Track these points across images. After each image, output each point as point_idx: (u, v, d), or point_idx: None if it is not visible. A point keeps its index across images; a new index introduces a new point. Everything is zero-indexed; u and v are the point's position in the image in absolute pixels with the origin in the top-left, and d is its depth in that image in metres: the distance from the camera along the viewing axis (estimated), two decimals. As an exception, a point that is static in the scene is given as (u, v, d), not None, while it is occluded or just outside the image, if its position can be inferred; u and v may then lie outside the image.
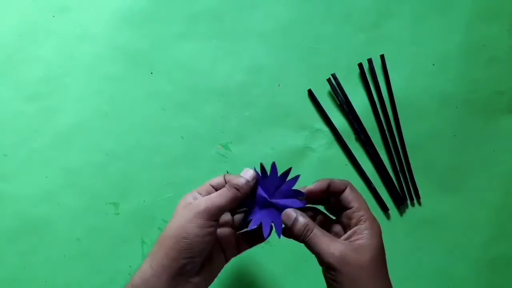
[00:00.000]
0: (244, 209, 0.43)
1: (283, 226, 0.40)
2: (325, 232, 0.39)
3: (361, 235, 0.37)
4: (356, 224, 0.38)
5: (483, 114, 0.61)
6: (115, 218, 0.57)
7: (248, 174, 0.41)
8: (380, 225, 0.39)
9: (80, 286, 0.56)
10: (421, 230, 0.59)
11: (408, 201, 0.60)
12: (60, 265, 0.56)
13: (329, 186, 0.40)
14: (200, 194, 0.41)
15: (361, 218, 0.38)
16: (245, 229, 0.43)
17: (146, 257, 0.38)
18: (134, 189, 0.58)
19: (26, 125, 0.58)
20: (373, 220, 0.39)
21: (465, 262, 0.59)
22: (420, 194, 0.59)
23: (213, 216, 0.38)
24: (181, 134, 0.59)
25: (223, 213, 0.40)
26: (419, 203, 0.60)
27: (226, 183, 0.42)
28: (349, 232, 0.39)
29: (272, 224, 0.41)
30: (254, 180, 0.41)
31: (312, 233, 0.38)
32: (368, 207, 0.40)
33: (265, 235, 0.40)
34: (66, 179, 0.57)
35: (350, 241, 0.38)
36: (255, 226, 0.41)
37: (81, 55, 0.59)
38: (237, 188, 0.40)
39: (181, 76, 0.60)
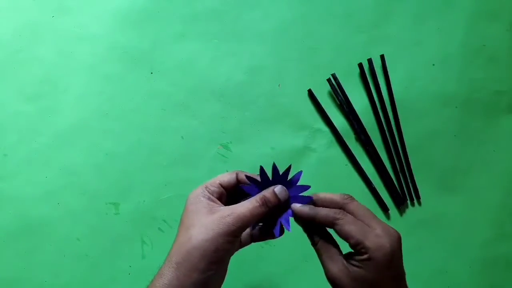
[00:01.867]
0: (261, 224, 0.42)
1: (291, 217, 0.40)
2: (331, 246, 0.38)
3: (360, 263, 0.35)
4: (358, 253, 0.36)
5: (483, 114, 0.61)
6: (115, 218, 0.57)
7: (279, 191, 0.39)
8: (394, 251, 0.35)
9: (80, 286, 0.56)
10: (421, 230, 0.59)
11: (408, 201, 0.60)
12: (60, 265, 0.56)
13: (313, 220, 0.38)
14: (210, 193, 0.39)
15: (361, 250, 0.35)
16: (267, 237, 0.43)
17: (164, 262, 0.37)
18: (134, 189, 0.58)
19: (26, 125, 0.58)
20: (379, 250, 0.34)
21: (465, 262, 0.59)
22: (420, 194, 0.59)
23: (241, 232, 0.37)
24: (181, 134, 0.59)
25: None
26: (419, 203, 0.60)
27: (238, 182, 0.41)
28: (352, 255, 0.36)
29: (282, 221, 0.40)
30: (285, 197, 0.40)
31: (318, 245, 0.38)
32: (371, 231, 0.35)
33: (289, 230, 0.39)
34: (66, 179, 0.57)
35: (350, 264, 0.36)
36: (279, 233, 0.39)
37: (81, 55, 0.59)
38: (269, 206, 0.38)
39: (181, 76, 0.60)
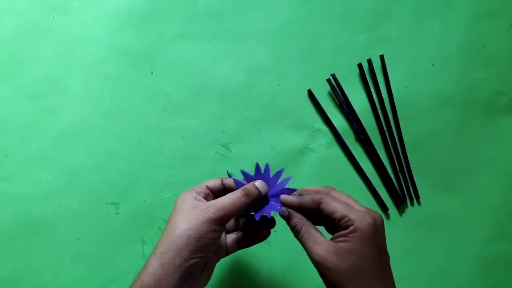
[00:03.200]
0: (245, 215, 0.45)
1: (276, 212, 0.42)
2: (315, 231, 0.39)
3: (346, 237, 0.36)
4: (344, 228, 0.37)
5: (483, 114, 0.61)
6: (116, 218, 0.57)
7: (259, 184, 0.42)
8: (377, 224, 0.37)
9: (81, 286, 0.56)
10: (420, 230, 0.59)
11: (408, 201, 0.60)
12: (60, 265, 0.56)
13: (300, 206, 0.40)
14: (197, 193, 0.42)
15: (347, 223, 0.37)
16: (253, 241, 0.46)
17: (150, 256, 0.39)
18: (134, 189, 0.58)
19: (26, 125, 0.58)
20: (363, 221, 0.36)
21: (464, 262, 0.59)
22: (419, 194, 0.59)
23: (225, 222, 0.39)
24: (181, 134, 0.59)
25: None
26: (419, 203, 0.60)
27: (223, 186, 0.43)
28: (337, 233, 0.38)
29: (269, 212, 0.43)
30: (265, 189, 0.43)
31: (301, 231, 0.39)
32: (355, 208, 0.38)
33: (269, 216, 0.42)
34: (67, 179, 0.57)
35: (336, 242, 0.37)
36: (259, 218, 0.42)
37: (81, 55, 0.59)
38: (249, 196, 0.41)
39: (181, 76, 0.60)
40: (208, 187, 0.43)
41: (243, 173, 0.44)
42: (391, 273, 0.38)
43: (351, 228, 0.36)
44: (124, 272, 0.56)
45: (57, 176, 0.57)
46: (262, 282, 0.57)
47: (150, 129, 0.59)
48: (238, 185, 0.43)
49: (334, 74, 0.60)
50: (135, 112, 0.59)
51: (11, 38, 0.59)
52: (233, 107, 0.60)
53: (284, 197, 0.42)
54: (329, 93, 0.61)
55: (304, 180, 0.59)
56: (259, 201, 0.42)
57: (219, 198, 0.40)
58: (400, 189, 0.60)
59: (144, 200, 0.58)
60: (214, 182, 0.44)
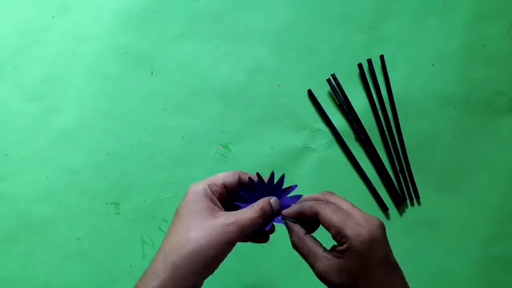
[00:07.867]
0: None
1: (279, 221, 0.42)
2: (314, 245, 0.38)
3: (341, 254, 0.36)
4: (339, 243, 0.37)
5: (483, 114, 0.61)
6: (116, 218, 0.57)
7: (274, 202, 0.41)
8: (374, 239, 0.36)
9: (81, 285, 0.56)
10: (420, 230, 0.59)
11: (408, 201, 0.60)
12: (60, 265, 0.56)
13: (299, 215, 0.39)
14: (212, 192, 0.39)
15: (342, 240, 0.36)
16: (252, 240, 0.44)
17: (156, 258, 0.37)
18: (134, 189, 0.58)
19: (26, 125, 0.58)
20: (357, 238, 0.35)
21: (464, 262, 0.59)
22: (419, 194, 0.59)
23: (239, 240, 0.38)
24: (181, 134, 0.59)
25: None
26: (419, 203, 0.60)
27: (240, 181, 0.41)
28: (334, 247, 0.37)
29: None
30: (277, 207, 0.41)
31: (301, 249, 0.38)
32: (351, 220, 0.36)
33: (274, 228, 0.42)
34: (67, 179, 0.57)
35: (334, 256, 0.36)
36: (269, 228, 0.41)
37: (81, 55, 0.59)
38: (265, 217, 0.39)
39: (181, 76, 0.60)
40: (224, 185, 0.40)
41: (249, 178, 0.41)
42: (400, 283, 0.38)
43: (345, 246, 0.35)
44: (124, 272, 0.56)
45: (57, 176, 0.57)
46: (262, 283, 0.57)
47: (150, 129, 0.59)
48: (246, 196, 0.41)
49: (334, 74, 0.60)
50: (135, 112, 0.59)
51: (12, 38, 0.59)
52: (233, 107, 0.60)
53: (284, 212, 0.40)
54: (329, 93, 0.61)
55: (304, 180, 0.59)
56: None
57: (238, 213, 0.38)
58: (400, 189, 0.60)
59: (144, 200, 0.58)
60: (232, 180, 0.41)
